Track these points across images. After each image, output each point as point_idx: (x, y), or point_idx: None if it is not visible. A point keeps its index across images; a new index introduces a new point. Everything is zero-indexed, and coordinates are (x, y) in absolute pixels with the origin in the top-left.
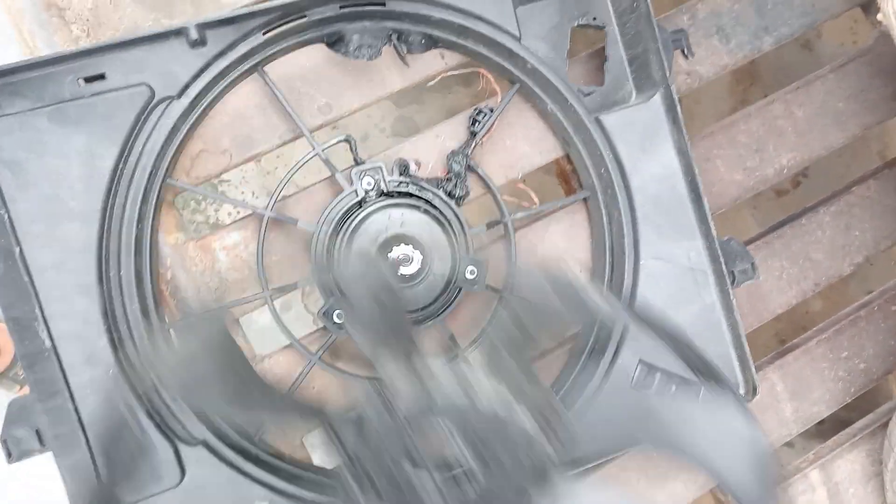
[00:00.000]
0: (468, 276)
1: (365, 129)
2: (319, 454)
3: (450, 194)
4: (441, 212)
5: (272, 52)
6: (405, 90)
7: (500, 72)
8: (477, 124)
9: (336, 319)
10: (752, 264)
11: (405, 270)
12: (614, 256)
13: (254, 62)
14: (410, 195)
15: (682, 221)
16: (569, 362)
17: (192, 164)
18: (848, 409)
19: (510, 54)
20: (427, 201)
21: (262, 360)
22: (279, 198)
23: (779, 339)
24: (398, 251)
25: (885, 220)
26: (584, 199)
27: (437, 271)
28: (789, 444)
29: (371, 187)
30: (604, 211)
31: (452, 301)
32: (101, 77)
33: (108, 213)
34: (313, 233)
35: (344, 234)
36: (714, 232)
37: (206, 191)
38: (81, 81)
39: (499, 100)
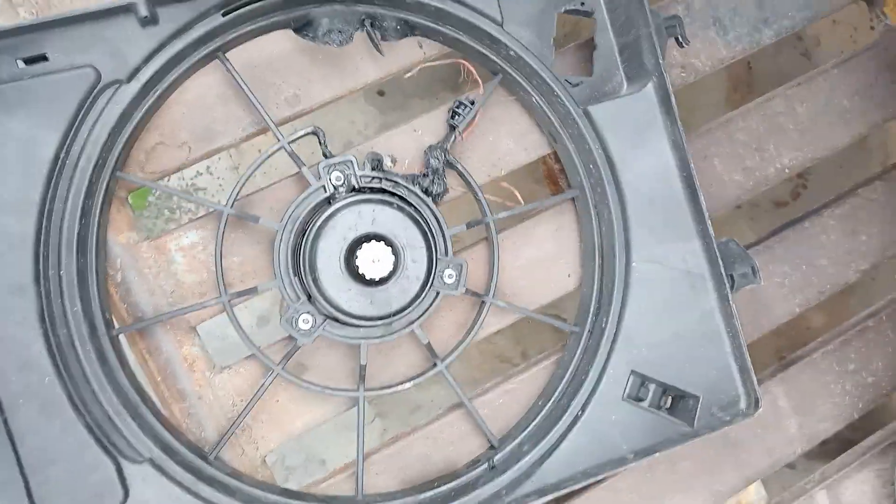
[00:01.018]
0: (446, 279)
1: (348, 135)
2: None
3: (426, 191)
4: (417, 209)
5: (233, 35)
6: (380, 81)
7: (481, 61)
8: (457, 117)
9: (301, 325)
10: (753, 267)
11: (376, 271)
12: (604, 259)
13: (213, 47)
14: (383, 191)
15: (678, 221)
16: (556, 373)
17: (146, 157)
18: (852, 429)
19: (491, 41)
20: (402, 198)
21: (221, 371)
22: (243, 195)
23: (779, 355)
24: (368, 250)
25: (893, 224)
26: (573, 199)
27: (411, 273)
28: (790, 465)
29: (340, 182)
30: (593, 211)
31: (430, 306)
32: (43, 58)
33: (47, 207)
34: (277, 231)
35: (310, 232)
36: (712, 232)
37: (159, 185)
38: (20, 62)
39: (481, 92)
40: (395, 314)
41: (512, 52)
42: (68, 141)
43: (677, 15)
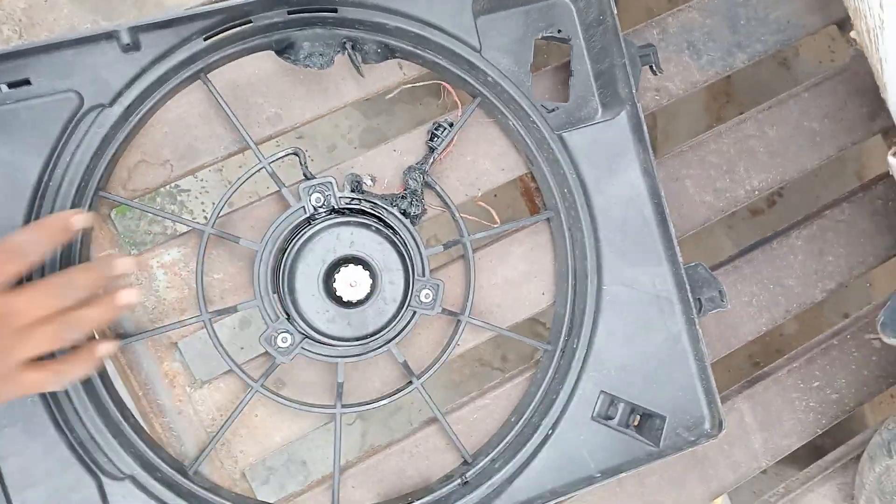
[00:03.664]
0: (423, 298)
1: (332, 139)
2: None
3: (404, 213)
4: (395, 231)
5: (215, 58)
6: (362, 101)
7: (460, 84)
8: (436, 139)
9: (280, 343)
10: (720, 291)
11: (353, 295)
12: (577, 280)
13: (195, 69)
14: (363, 212)
15: (648, 246)
16: (529, 390)
17: (129, 175)
18: (823, 437)
19: (470, 66)
20: (380, 219)
21: (202, 387)
22: (224, 213)
23: (752, 361)
24: (346, 273)
25: (859, 246)
26: (548, 220)
27: (388, 295)
28: (762, 472)
29: (320, 204)
30: (567, 233)
31: (406, 325)
32: (26, 82)
33: None
34: (256, 252)
35: (289, 253)
36: (680, 258)
37: (139, 204)
38: (3, 87)
39: (459, 114)
40: (371, 335)
41: (490, 78)
42: (51, 165)
43: (652, 44)
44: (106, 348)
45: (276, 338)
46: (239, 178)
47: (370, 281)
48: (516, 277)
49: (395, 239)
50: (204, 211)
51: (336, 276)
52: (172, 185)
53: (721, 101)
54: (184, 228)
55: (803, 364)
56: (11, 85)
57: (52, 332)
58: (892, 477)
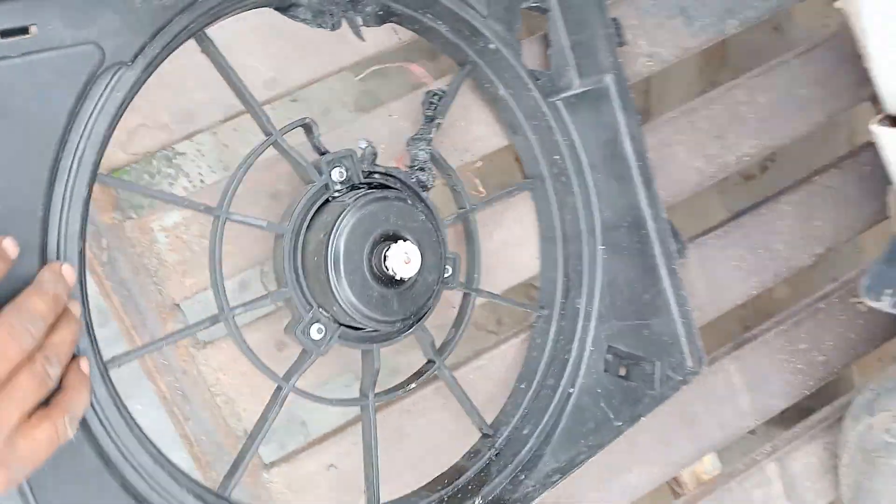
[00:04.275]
0: (445, 274)
1: (326, 103)
2: None
3: (423, 186)
4: (425, 205)
5: (213, 6)
6: (361, 64)
7: (450, 52)
8: (434, 108)
9: (315, 335)
10: (682, 243)
11: (405, 272)
12: (567, 244)
13: (194, 22)
14: (383, 186)
15: (634, 207)
16: (531, 355)
17: (128, 138)
18: (811, 398)
19: (472, 33)
20: (409, 192)
21: (204, 347)
22: (212, 181)
23: (743, 325)
24: (398, 249)
25: (846, 211)
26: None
27: (429, 272)
28: (751, 432)
29: (343, 178)
30: (554, 199)
31: (431, 301)
32: (23, 31)
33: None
34: (284, 236)
35: (329, 234)
36: (664, 214)
37: (142, 189)
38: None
39: (433, 85)
40: (417, 312)
41: (491, 45)
42: (65, 142)
43: (616, 18)
44: (86, 363)
45: (309, 329)
46: (251, 153)
47: (420, 256)
48: (510, 242)
49: (425, 213)
50: (201, 175)
51: (387, 252)
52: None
53: (716, 64)
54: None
55: (791, 327)
56: (6, 33)
57: (39, 375)
58: (874, 435)
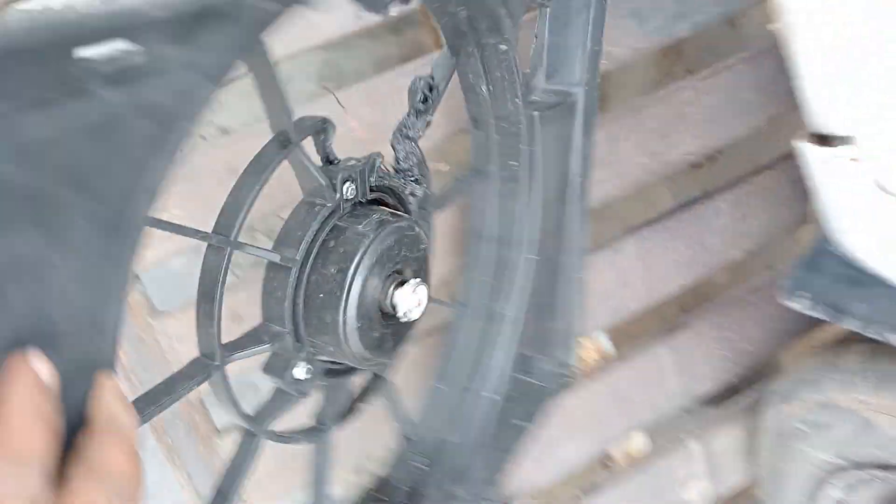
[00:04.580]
0: None
1: (288, 71)
2: None
3: (412, 194)
4: (420, 226)
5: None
6: (335, 41)
7: (453, 38)
8: (425, 101)
9: (297, 375)
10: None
11: (415, 314)
12: (501, 247)
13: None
14: (383, 203)
15: (559, 215)
16: (450, 354)
17: None
18: (741, 379)
19: (493, 28)
20: (404, 208)
21: (160, 316)
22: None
23: (682, 308)
24: (409, 292)
25: (779, 210)
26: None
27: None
28: (686, 410)
29: (352, 196)
30: (496, 200)
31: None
32: None
33: None
34: (291, 269)
35: (334, 267)
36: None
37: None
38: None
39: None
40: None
41: (503, 46)
42: None
43: None
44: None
45: (290, 370)
46: (260, 166)
47: (425, 290)
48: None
49: (423, 237)
50: None
51: (397, 292)
52: None
53: (672, 57)
54: None
55: (720, 316)
56: None
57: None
58: (788, 421)
